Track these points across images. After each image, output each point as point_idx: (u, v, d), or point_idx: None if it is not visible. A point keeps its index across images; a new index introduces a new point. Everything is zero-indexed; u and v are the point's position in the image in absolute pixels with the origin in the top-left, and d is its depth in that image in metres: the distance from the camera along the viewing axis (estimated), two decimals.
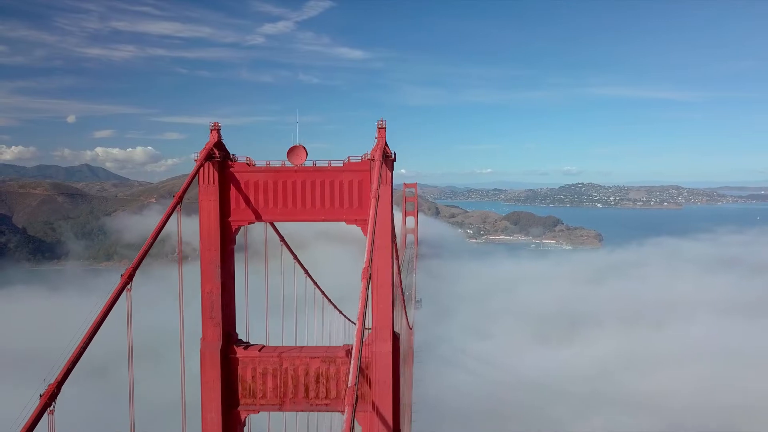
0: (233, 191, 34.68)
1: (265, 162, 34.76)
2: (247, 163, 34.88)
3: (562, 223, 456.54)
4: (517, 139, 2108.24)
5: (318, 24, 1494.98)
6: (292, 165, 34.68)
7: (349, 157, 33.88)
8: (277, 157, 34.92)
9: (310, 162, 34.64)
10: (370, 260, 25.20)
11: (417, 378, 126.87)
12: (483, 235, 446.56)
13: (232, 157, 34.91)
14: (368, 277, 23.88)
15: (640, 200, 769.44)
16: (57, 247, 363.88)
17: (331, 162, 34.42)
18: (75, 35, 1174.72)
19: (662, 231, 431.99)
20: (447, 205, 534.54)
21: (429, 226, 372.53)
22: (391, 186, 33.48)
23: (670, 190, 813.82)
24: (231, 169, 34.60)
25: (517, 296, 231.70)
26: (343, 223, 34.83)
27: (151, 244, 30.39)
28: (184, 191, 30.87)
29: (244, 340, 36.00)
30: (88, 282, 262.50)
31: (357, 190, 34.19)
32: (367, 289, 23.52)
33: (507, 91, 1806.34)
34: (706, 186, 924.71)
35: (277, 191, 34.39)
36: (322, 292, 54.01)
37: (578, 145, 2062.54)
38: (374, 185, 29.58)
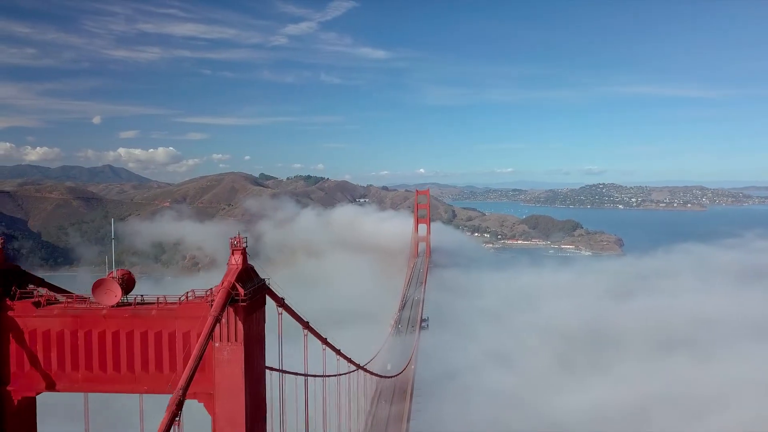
0: (13, 346, 23.03)
1: (64, 299, 23.23)
2: (36, 303, 23.10)
3: (582, 227, 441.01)
4: (539, 138, 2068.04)
5: (341, 24, 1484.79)
6: (101, 306, 23.21)
7: (192, 290, 22.47)
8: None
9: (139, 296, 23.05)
10: None
11: (417, 426, 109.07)
12: (500, 239, 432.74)
13: (13, 291, 23.02)
14: None
15: (662, 201, 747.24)
16: (70, 253, 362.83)
17: (164, 298, 22.92)
18: (102, 37, 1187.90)
19: (686, 235, 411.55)
20: (464, 208, 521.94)
21: (444, 232, 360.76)
22: (246, 343, 21.70)
23: (694, 191, 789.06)
24: (10, 313, 22.85)
25: (538, 313, 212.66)
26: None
27: None
28: None
29: None
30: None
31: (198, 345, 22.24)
32: None
33: (530, 90, 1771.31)
34: (731, 186, 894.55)
35: (79, 346, 22.82)
36: None
37: (601, 145, 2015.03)
38: (194, 353, 17.93)
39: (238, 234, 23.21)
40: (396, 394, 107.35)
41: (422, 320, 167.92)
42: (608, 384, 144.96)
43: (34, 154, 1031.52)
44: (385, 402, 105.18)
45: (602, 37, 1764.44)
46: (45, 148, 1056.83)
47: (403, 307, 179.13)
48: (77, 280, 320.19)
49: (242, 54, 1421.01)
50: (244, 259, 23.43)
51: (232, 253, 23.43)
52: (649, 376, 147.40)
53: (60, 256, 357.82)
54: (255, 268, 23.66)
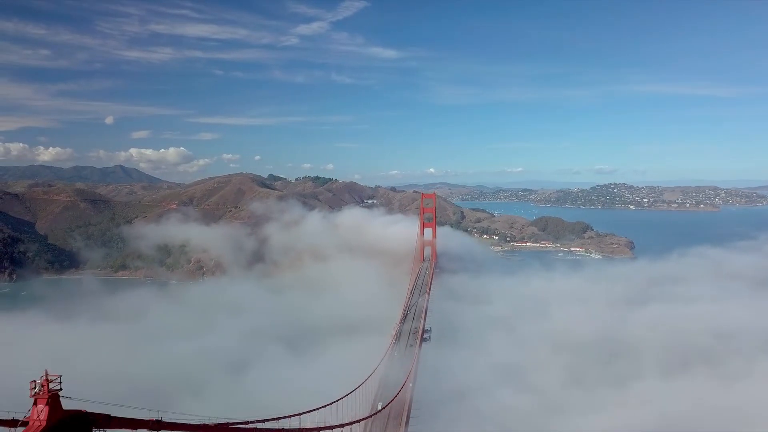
0: None
1: None
2: None
3: (592, 229, 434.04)
4: (550, 137, 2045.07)
5: (352, 24, 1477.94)
6: None
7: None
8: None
9: None
10: None
11: None
12: (509, 241, 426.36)
13: None
14: None
15: (674, 202, 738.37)
16: (76, 256, 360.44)
17: None
18: (115, 38, 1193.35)
19: (699, 237, 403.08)
20: (473, 209, 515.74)
21: (451, 235, 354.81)
22: None
23: (707, 191, 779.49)
24: None
25: (549, 321, 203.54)
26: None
27: None
28: None
29: None
30: (103, 302, 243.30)
31: None
32: None
33: (540, 89, 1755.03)
34: (744, 186, 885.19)
35: None
36: None
37: (612, 144, 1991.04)
38: None
39: (45, 373, 15.07)
40: (391, 417, 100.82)
41: (423, 331, 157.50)
42: (624, 402, 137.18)
43: (46, 155, 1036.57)
44: (380, 426, 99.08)
45: (613, 36, 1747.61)
46: (57, 149, 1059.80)
47: (405, 317, 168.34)
48: (82, 283, 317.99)
49: (253, 54, 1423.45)
50: (54, 410, 15.30)
51: (35, 403, 15.45)
52: (666, 394, 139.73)
53: (66, 259, 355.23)
54: (85, 411, 15.42)
